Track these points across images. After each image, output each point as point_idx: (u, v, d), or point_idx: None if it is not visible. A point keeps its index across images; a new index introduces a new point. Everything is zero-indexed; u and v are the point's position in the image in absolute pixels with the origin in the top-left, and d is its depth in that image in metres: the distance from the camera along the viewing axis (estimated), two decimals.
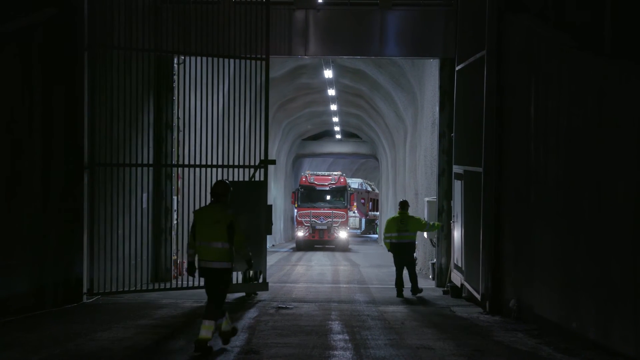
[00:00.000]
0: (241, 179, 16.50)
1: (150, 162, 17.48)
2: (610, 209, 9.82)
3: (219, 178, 15.67)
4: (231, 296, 15.68)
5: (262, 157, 16.17)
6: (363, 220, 61.62)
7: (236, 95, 16.25)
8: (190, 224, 11.21)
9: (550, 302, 11.79)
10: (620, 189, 9.56)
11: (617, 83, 9.83)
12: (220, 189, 10.52)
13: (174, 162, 18.52)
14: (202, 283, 15.93)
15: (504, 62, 14.32)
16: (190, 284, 16.30)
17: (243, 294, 15.90)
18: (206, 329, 10.10)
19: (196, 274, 10.75)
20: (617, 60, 10.23)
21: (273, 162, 16.68)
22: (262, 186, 15.99)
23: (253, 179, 16.22)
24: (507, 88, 14.22)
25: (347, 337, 11.49)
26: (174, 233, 18.74)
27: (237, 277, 16.13)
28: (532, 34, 12.99)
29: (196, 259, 10.58)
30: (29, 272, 13.19)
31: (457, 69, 17.21)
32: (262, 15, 15.80)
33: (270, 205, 16.36)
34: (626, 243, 9.38)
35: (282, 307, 14.62)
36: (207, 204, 11.25)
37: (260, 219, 15.72)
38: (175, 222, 18.83)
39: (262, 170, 16.15)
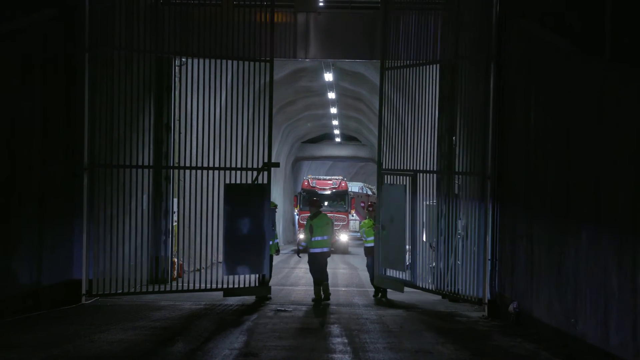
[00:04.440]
0: (241, 181, 16.42)
1: (151, 163, 17.43)
2: (610, 214, 9.81)
3: (225, 180, 15.80)
4: (235, 300, 15.67)
5: (265, 160, 16.06)
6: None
7: (237, 97, 16.20)
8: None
9: (550, 307, 11.79)
10: (621, 195, 9.55)
11: (617, 88, 9.83)
12: (319, 204, 17.00)
13: (173, 163, 18.49)
14: (197, 286, 16.11)
15: (504, 67, 14.36)
16: (187, 286, 16.29)
17: (252, 299, 15.83)
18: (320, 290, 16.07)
19: None
20: (617, 65, 10.23)
21: (277, 164, 16.48)
22: (265, 189, 15.86)
23: (256, 182, 16.07)
24: (507, 93, 14.25)
25: (345, 341, 11.48)
26: (172, 235, 18.70)
27: (249, 281, 16.06)
28: (532, 38, 13.01)
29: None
30: (27, 273, 13.18)
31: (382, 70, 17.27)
32: (266, 17, 15.77)
33: (274, 209, 16.19)
34: (626, 248, 9.38)
35: (281, 310, 14.62)
36: (315, 213, 16.43)
37: (262, 222, 15.64)
38: (174, 223, 18.80)
39: (266, 173, 15.99)
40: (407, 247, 16.74)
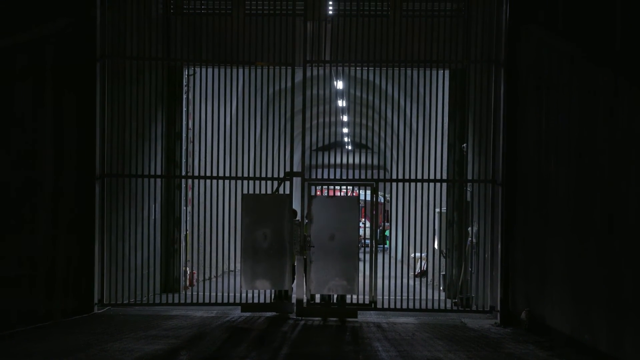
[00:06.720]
0: (254, 191, 16.22)
1: (162, 172, 17.43)
2: (622, 221, 9.76)
3: (242, 190, 15.70)
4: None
5: (287, 169, 15.54)
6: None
7: (253, 106, 16.08)
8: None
9: (562, 314, 11.73)
10: (633, 202, 9.50)
11: (628, 92, 9.79)
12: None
13: (187, 172, 18.46)
14: (209, 295, 16.05)
15: (514, 73, 14.34)
16: (202, 297, 16.23)
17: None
18: None
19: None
20: (627, 70, 10.20)
21: (299, 174, 15.83)
22: (287, 200, 15.22)
23: (277, 192, 15.61)
24: (519, 99, 14.23)
25: (358, 348, 11.46)
26: (184, 244, 18.72)
27: (267, 295, 15.90)
28: (542, 44, 12.99)
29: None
30: (39, 283, 13.21)
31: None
32: (283, 24, 15.85)
33: (296, 219, 15.57)
34: (638, 255, 9.32)
35: (294, 318, 14.60)
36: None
37: (284, 234, 15.05)
38: (185, 232, 18.82)
39: (287, 182, 15.38)
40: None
